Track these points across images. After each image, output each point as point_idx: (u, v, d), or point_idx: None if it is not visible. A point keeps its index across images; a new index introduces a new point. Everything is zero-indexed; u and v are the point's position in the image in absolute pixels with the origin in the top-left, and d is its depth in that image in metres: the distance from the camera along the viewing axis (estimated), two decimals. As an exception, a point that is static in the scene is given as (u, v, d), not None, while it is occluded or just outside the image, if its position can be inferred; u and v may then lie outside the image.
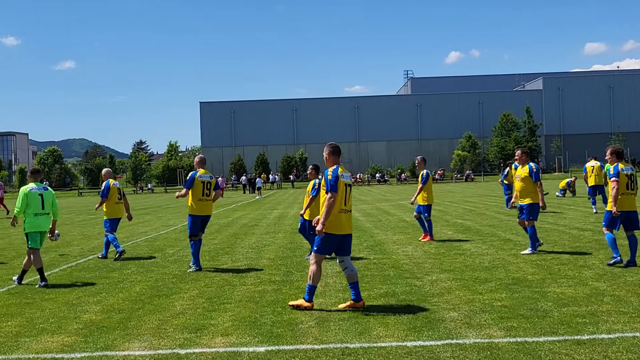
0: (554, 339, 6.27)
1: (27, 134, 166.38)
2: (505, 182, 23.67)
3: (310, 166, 12.42)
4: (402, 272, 10.38)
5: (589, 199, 21.74)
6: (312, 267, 7.94)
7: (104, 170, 14.35)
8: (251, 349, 6.25)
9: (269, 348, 6.27)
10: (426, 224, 14.66)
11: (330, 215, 7.73)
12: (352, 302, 7.92)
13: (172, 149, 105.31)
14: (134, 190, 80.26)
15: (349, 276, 8.02)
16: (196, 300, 8.73)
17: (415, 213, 15.33)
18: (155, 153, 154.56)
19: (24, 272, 10.63)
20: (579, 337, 6.29)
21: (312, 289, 7.94)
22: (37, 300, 9.05)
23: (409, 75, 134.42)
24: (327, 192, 7.77)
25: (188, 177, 11.45)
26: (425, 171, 14.61)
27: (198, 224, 11.47)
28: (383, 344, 6.31)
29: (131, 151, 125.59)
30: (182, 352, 6.23)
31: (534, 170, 11.94)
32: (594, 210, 20.28)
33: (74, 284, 10.37)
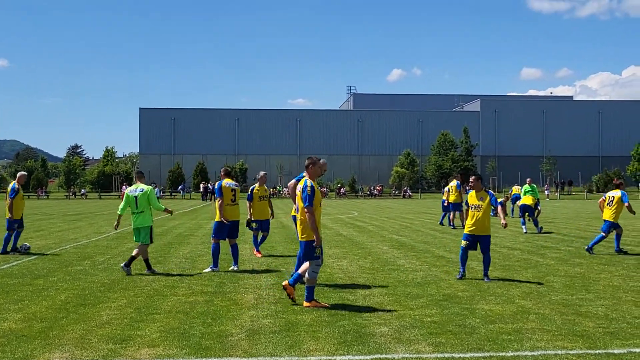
0: (480, 355, 6.39)
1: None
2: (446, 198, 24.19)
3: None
4: (336, 286, 10.40)
5: (519, 217, 22.41)
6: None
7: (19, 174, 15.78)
8: (178, 361, 6.12)
9: (196, 360, 6.15)
10: None
11: None
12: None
13: (109, 154, 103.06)
14: (66, 196, 78.00)
15: None
16: (124, 310, 8.51)
17: None
18: (91, 158, 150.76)
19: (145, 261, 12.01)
20: (503, 353, 6.43)
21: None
22: (-46, 307, 8.64)
23: (351, 91, 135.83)
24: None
25: (216, 187, 12.41)
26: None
27: (224, 229, 12.21)
28: (312, 358, 6.28)
29: (65, 155, 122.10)
30: None
31: (494, 196, 11.30)
32: (524, 231, 20.88)
33: (-5, 291, 9.95)
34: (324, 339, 6.99)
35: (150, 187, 12.11)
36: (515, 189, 30.89)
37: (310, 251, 8.67)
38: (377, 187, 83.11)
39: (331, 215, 34.46)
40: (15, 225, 15.27)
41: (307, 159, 9.02)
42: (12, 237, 15.25)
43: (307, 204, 8.55)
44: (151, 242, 12.10)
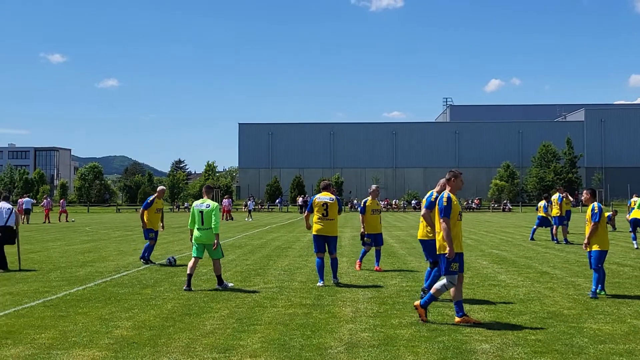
0: (589, 376, 6.10)
1: (69, 150, 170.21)
2: (542, 214, 23.42)
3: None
4: (435, 301, 10.25)
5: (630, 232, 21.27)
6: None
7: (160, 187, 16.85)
8: (279, 372, 6.22)
9: (297, 372, 6.24)
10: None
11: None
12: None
13: (210, 168, 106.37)
14: (170, 209, 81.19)
15: None
16: (226, 320, 8.76)
17: None
18: (193, 172, 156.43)
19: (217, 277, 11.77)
20: (615, 375, 6.12)
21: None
22: (71, 314, 9.18)
23: (448, 103, 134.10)
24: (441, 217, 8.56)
25: (308, 201, 11.79)
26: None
27: (318, 242, 12.10)
28: (412, 373, 6.22)
29: (169, 169, 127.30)
30: None
31: (596, 211, 10.73)
32: (635, 246, 19.80)
33: (107, 299, 10.50)
34: (424, 354, 6.91)
35: (216, 203, 11.85)
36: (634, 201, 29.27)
37: (446, 265, 8.53)
38: (475, 201, 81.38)
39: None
40: (151, 235, 16.06)
41: (449, 172, 9.03)
42: (148, 246, 16.12)
43: (442, 215, 8.54)
44: (222, 256, 12.02)
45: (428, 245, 10.35)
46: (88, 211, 75.27)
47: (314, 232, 12.20)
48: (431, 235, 10.03)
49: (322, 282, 12.02)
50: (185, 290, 11.31)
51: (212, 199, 12.03)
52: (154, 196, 16.38)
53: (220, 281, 11.74)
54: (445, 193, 8.79)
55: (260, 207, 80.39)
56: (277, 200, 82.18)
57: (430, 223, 9.73)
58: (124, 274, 13.96)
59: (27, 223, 40.28)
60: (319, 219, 12.13)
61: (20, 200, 44.58)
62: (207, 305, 9.95)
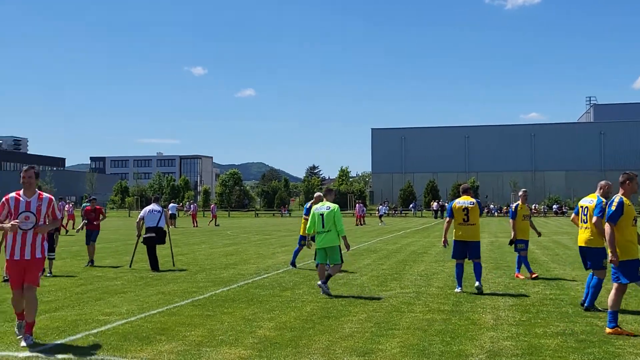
0: None
1: (211, 157, 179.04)
2: None
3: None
4: (582, 310, 9.73)
5: None
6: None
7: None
8: (419, 378, 6.17)
9: (438, 378, 6.16)
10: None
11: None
12: None
13: (343, 173, 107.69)
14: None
15: None
16: (364, 324, 8.82)
17: None
18: (327, 178, 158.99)
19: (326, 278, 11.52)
20: None
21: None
22: (217, 314, 9.63)
23: (591, 102, 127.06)
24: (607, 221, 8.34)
25: (447, 205, 12.15)
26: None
27: (458, 248, 11.78)
28: (560, 385, 5.95)
29: (304, 175, 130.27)
30: None
31: None
32: None
33: (250, 300, 10.92)
34: (572, 366, 6.58)
35: (337, 205, 11.65)
36: None
37: (630, 270, 8.15)
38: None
39: (571, 234, 32.38)
40: (303, 242, 15.60)
41: (623, 174, 8.72)
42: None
43: (608, 219, 8.28)
44: (341, 261, 11.77)
45: (592, 253, 9.51)
46: (229, 216, 78.74)
47: (454, 238, 11.85)
48: (596, 242, 9.43)
49: (460, 288, 11.77)
50: (323, 293, 11.34)
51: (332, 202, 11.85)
52: (310, 202, 15.78)
53: (325, 281, 11.38)
54: (617, 197, 8.42)
55: (393, 212, 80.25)
56: (410, 205, 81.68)
57: (602, 230, 8.84)
58: (264, 276, 14.45)
59: (175, 227, 42.80)
60: (459, 224, 11.74)
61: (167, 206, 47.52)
62: (345, 308, 10.07)
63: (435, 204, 71.55)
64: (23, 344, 7.47)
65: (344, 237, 11.57)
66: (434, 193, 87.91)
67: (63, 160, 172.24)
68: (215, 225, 47.56)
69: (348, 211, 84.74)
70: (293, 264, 16.01)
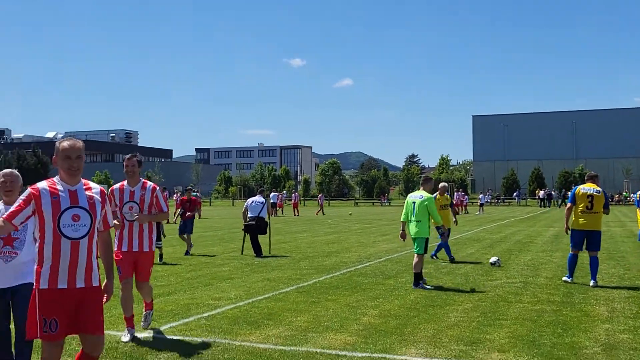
0: None
1: (311, 147, 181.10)
2: None
3: None
4: None
5: None
6: None
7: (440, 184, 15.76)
8: (530, 369, 6.01)
9: (550, 370, 5.97)
10: None
11: None
12: None
13: (444, 162, 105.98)
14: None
15: None
16: (470, 313, 8.67)
17: None
18: (427, 166, 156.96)
19: (415, 275, 11.01)
20: None
21: None
22: (322, 300, 9.76)
23: None
24: None
25: (570, 191, 11.60)
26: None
27: (576, 238, 11.22)
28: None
29: (403, 164, 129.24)
30: None
31: None
32: None
33: (353, 288, 10.99)
34: (697, 362, 6.20)
35: (431, 196, 11.28)
36: None
37: None
38: None
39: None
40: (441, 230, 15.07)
41: None
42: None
43: None
44: (425, 252, 11.12)
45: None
46: (329, 205, 79.39)
47: (573, 227, 11.28)
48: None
49: (570, 278, 11.32)
50: (414, 288, 10.83)
51: (431, 192, 11.56)
52: (436, 193, 14.82)
53: (416, 280, 10.93)
54: None
55: (496, 200, 78.23)
56: (514, 194, 79.24)
57: None
58: (366, 264, 14.49)
59: (275, 216, 43.65)
60: (581, 212, 11.11)
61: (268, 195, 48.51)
62: (449, 297, 9.94)
63: (542, 192, 69.01)
64: (143, 324, 7.76)
65: (440, 227, 11.54)
66: (539, 181, 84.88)
67: (170, 151, 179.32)
68: (323, 214, 47.96)
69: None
70: (451, 259, 14.93)
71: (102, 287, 4.75)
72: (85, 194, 4.59)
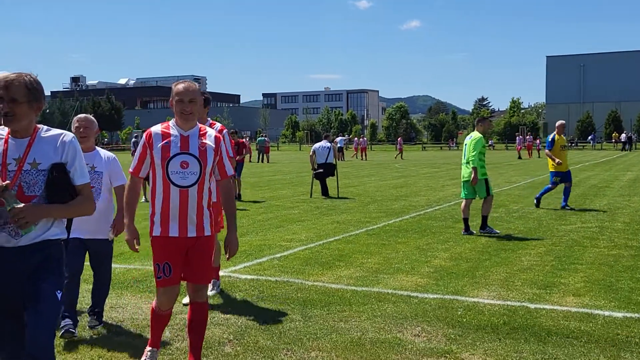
0: None
1: (377, 91, 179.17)
2: None
3: None
4: None
5: None
6: None
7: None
8: (607, 313, 5.92)
9: (627, 315, 5.87)
10: None
11: None
12: None
13: (514, 105, 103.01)
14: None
15: None
16: (544, 257, 8.54)
17: None
18: (497, 110, 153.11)
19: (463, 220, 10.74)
20: None
21: None
22: (392, 243, 9.81)
23: None
24: None
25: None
26: None
27: None
28: None
29: (472, 107, 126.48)
30: (532, 306, 6.16)
31: None
32: None
33: (423, 231, 10.98)
34: None
35: (478, 136, 10.60)
36: None
37: None
38: None
39: None
40: (557, 179, 13.99)
41: None
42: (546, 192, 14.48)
43: None
44: (488, 194, 10.60)
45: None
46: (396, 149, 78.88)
47: None
48: None
49: None
50: (463, 234, 10.51)
51: (483, 133, 10.82)
52: (553, 133, 14.18)
53: (483, 223, 10.59)
54: None
55: (570, 144, 75.82)
56: (589, 137, 76.61)
57: None
58: (436, 208, 14.42)
59: (343, 160, 43.76)
60: None
61: (335, 140, 48.50)
62: (522, 242, 9.80)
63: (624, 135, 66.34)
64: (211, 291, 6.66)
65: (474, 169, 10.39)
66: (617, 124, 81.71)
67: (238, 97, 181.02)
68: (402, 158, 47.24)
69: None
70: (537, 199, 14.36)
71: (224, 241, 4.48)
72: (198, 140, 4.32)
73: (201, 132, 4.38)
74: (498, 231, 10.66)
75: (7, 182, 3.17)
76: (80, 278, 5.52)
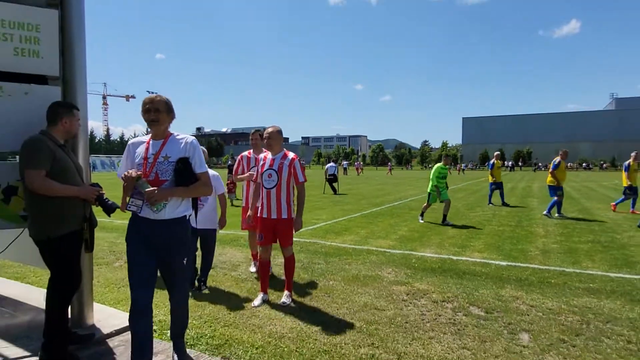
0: None
1: (366, 136, 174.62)
2: None
3: None
4: (606, 228, 8.61)
5: None
6: None
7: None
8: (497, 262, 5.94)
9: (509, 263, 5.89)
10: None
11: None
12: None
13: (444, 144, 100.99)
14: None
15: None
16: (461, 230, 8.44)
17: None
18: (434, 147, 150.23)
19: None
20: None
21: None
22: (375, 222, 9.73)
23: None
24: None
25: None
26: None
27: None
28: (590, 272, 5.44)
29: (420, 145, 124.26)
30: (454, 258, 6.12)
31: None
32: None
33: (391, 215, 10.85)
34: (599, 261, 5.95)
35: (439, 165, 9.32)
36: None
37: None
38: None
39: None
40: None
41: None
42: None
43: None
44: (447, 198, 9.30)
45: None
46: (377, 169, 77.70)
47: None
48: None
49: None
50: (419, 220, 9.57)
51: None
52: (558, 157, 9.91)
53: (444, 219, 9.17)
54: None
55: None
56: (486, 164, 75.00)
57: None
58: (400, 202, 14.23)
59: (346, 175, 43.25)
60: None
61: (342, 163, 46.80)
62: (450, 219, 9.72)
63: (508, 162, 63.88)
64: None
65: (436, 186, 9.49)
66: (502, 156, 78.96)
67: (287, 138, 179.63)
68: (391, 174, 46.58)
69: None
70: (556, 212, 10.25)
71: (294, 221, 4.27)
72: (278, 161, 4.27)
73: (283, 156, 4.31)
74: (452, 223, 9.69)
75: (140, 172, 2.83)
76: (196, 255, 4.80)
